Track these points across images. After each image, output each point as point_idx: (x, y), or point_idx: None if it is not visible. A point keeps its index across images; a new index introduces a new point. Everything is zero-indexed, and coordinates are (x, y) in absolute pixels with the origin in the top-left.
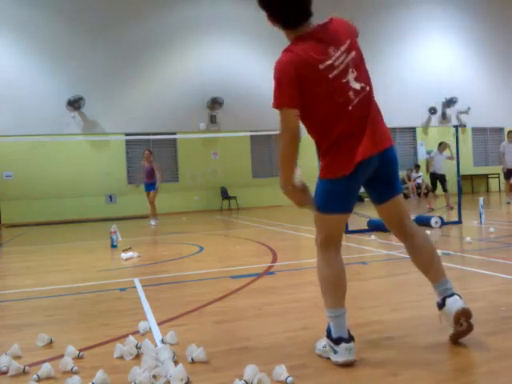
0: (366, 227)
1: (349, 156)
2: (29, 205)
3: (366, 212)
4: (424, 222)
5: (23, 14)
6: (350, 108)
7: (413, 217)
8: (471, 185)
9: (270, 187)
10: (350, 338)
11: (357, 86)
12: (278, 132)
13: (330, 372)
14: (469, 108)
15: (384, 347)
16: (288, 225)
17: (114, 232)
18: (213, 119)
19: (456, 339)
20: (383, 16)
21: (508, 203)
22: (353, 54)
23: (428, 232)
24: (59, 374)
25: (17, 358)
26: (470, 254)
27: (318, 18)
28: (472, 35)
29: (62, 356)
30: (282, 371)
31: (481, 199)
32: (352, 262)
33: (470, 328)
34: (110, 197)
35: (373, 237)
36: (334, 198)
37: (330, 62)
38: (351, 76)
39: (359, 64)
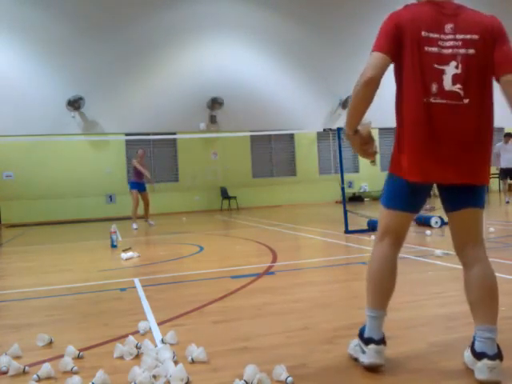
0: (366, 227)
1: (416, 162)
2: (29, 205)
3: (365, 212)
4: (424, 221)
5: (23, 14)
6: (424, 100)
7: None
8: None
9: (270, 187)
10: (381, 341)
11: (448, 84)
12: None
13: (330, 372)
14: None
15: None
16: (288, 225)
17: (114, 232)
18: (213, 119)
19: None
20: (384, 16)
21: (507, 203)
22: (471, 50)
23: (428, 232)
24: (59, 373)
25: (17, 358)
26: None
27: (318, 18)
28: None
29: (62, 356)
30: (282, 371)
31: None
32: (352, 262)
33: None
34: (110, 197)
35: (373, 237)
36: (396, 196)
37: (436, 35)
38: (450, 70)
39: (475, 68)
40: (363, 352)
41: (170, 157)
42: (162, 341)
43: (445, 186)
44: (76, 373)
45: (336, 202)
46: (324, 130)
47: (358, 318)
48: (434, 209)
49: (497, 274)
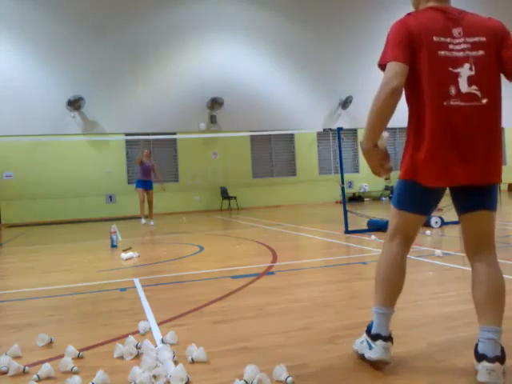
0: (366, 227)
1: (432, 167)
2: (29, 205)
3: (365, 212)
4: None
5: (24, 14)
6: (444, 104)
7: None
8: None
9: (270, 187)
10: (389, 338)
11: (464, 86)
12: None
13: (330, 372)
14: None
15: None
16: (288, 225)
17: (114, 232)
18: (213, 119)
19: None
20: (384, 16)
21: None
22: (481, 52)
23: (428, 232)
24: (59, 373)
25: (17, 358)
26: None
27: (319, 19)
28: None
29: (62, 356)
30: (282, 371)
31: None
32: (352, 262)
33: None
34: (110, 197)
35: (373, 237)
36: (409, 198)
37: (447, 39)
38: (465, 72)
39: (486, 68)
40: (370, 347)
41: (170, 157)
42: (162, 341)
43: (458, 187)
44: (76, 373)
45: (336, 202)
46: (324, 130)
47: (358, 318)
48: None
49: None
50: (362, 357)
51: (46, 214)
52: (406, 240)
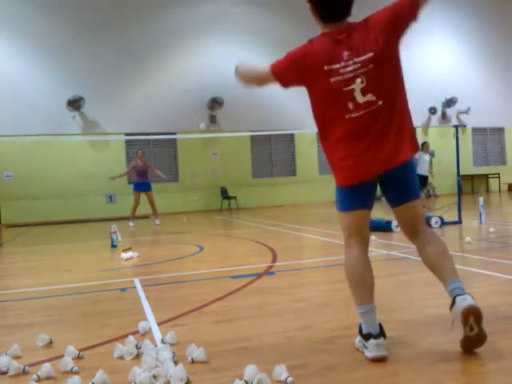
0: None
1: (347, 170)
2: (29, 205)
3: None
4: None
5: (23, 14)
6: (346, 117)
7: None
8: (471, 185)
9: (270, 187)
10: (380, 334)
11: (360, 97)
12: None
13: (330, 372)
14: (469, 108)
15: None
16: (288, 225)
17: (114, 232)
18: (213, 119)
19: (467, 347)
20: None
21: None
22: (371, 66)
23: None
24: (59, 373)
25: (17, 358)
26: (470, 253)
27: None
28: (472, 35)
29: (62, 356)
30: (282, 371)
31: (481, 199)
32: None
33: (481, 335)
34: (110, 197)
35: (373, 237)
36: (345, 198)
37: (337, 66)
38: (358, 86)
39: (378, 76)
40: (366, 347)
41: (170, 157)
42: (162, 341)
43: (385, 183)
44: (76, 373)
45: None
46: None
47: (357, 318)
48: (431, 209)
49: (497, 274)
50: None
51: (46, 213)
52: (358, 238)
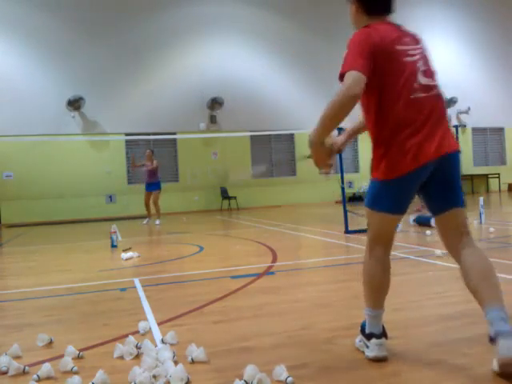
0: (366, 227)
1: (407, 153)
2: (29, 205)
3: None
4: (424, 221)
5: (23, 14)
6: (411, 97)
7: (413, 217)
8: (471, 185)
9: (270, 187)
10: (382, 335)
11: (423, 80)
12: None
13: (330, 372)
14: (469, 108)
15: None
16: (288, 225)
17: (114, 232)
18: (213, 119)
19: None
20: None
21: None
22: (425, 53)
23: (428, 232)
24: (59, 373)
25: (17, 358)
26: None
27: (319, 19)
28: (472, 35)
29: (62, 356)
30: (282, 371)
31: (481, 199)
32: (352, 262)
33: None
34: (110, 197)
35: None
36: (385, 198)
37: (405, 47)
38: (421, 70)
39: (428, 64)
40: (367, 347)
41: (170, 157)
42: (162, 341)
43: (427, 187)
44: (76, 373)
45: (336, 202)
46: None
47: (357, 318)
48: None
49: (497, 274)
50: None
51: (46, 213)
52: (386, 242)
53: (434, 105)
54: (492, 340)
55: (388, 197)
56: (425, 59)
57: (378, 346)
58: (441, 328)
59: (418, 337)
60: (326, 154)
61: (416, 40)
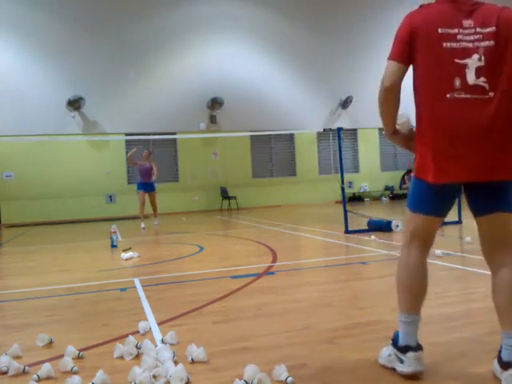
0: (366, 227)
1: (437, 163)
2: (29, 205)
3: (365, 212)
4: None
5: (23, 14)
6: (447, 96)
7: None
8: None
9: (270, 187)
10: (419, 347)
11: (472, 78)
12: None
13: (330, 372)
14: None
15: None
16: (288, 225)
17: (114, 232)
18: (213, 119)
19: None
20: (384, 16)
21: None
22: (492, 42)
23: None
24: (59, 373)
25: (17, 358)
26: (470, 254)
27: (319, 19)
28: None
29: (62, 356)
30: (282, 371)
31: None
32: (352, 262)
33: None
34: (110, 197)
35: (373, 237)
36: (421, 199)
37: (454, 31)
38: (473, 63)
39: (496, 59)
40: (401, 361)
41: (170, 157)
42: (162, 341)
43: (472, 187)
44: (76, 373)
45: (336, 202)
46: (324, 130)
47: (357, 318)
48: None
49: None
50: (392, 370)
51: (46, 214)
52: (422, 243)
53: (481, 111)
54: (501, 363)
55: (425, 199)
56: (490, 50)
57: (416, 360)
58: (441, 328)
59: (418, 337)
60: (405, 140)
61: (483, 22)
